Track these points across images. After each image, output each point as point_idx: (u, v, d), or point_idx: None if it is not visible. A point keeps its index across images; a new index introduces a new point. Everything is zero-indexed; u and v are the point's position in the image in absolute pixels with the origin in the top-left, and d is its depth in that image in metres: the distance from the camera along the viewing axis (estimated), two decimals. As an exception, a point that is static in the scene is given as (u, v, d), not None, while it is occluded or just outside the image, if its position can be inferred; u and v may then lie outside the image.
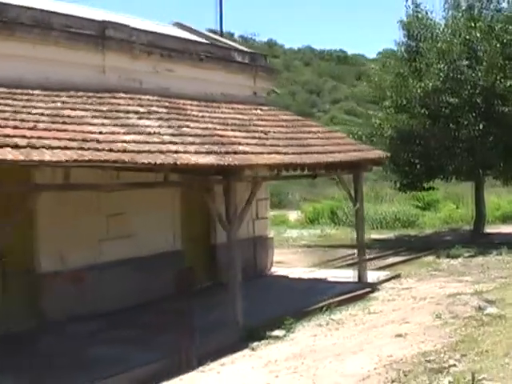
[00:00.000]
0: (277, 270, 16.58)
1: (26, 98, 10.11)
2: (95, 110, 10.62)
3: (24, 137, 7.96)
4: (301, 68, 75.33)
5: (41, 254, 11.45)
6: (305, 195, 34.26)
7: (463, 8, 21.07)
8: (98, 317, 11.56)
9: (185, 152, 9.75)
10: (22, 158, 7.27)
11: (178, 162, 9.19)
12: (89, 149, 8.37)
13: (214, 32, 20.04)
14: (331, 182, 34.83)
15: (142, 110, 11.53)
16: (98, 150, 8.49)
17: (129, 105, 11.60)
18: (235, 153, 10.77)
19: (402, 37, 21.72)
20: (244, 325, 10.90)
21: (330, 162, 12.88)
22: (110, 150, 8.59)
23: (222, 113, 13.52)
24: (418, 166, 21.25)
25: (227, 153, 10.58)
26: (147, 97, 12.46)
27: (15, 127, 8.32)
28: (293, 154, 12.13)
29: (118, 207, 12.27)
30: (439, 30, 21.05)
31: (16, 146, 7.47)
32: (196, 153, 10.01)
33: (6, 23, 10.66)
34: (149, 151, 9.15)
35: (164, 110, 11.96)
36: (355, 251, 19.65)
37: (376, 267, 17.15)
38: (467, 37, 20.00)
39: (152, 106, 12.00)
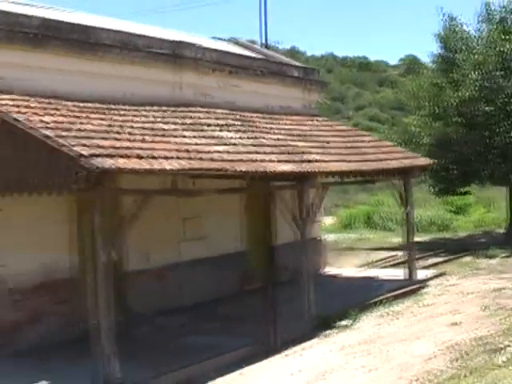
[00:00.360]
0: (329, 270, 17.75)
1: (122, 112, 11.40)
2: (182, 124, 11.91)
3: (141, 149, 9.24)
4: (323, 75, 76.50)
5: (129, 254, 12.71)
6: (336, 201, 35.39)
7: (496, 21, 22.23)
8: (179, 310, 12.83)
9: (270, 161, 11.02)
10: (148, 167, 8.54)
11: (268, 170, 10.45)
12: (194, 158, 9.63)
13: (252, 42, 21.29)
14: (362, 189, 36.20)
15: (220, 122, 12.80)
16: (201, 159, 9.75)
17: (208, 118, 12.89)
18: (309, 161, 12.02)
19: (439, 49, 22.92)
20: (316, 315, 12.11)
21: (385, 169, 14.08)
22: (211, 160, 9.86)
23: (284, 124, 14.78)
24: (454, 172, 22.35)
25: (302, 161, 11.84)
26: (220, 110, 13.75)
27: (130, 140, 9.59)
28: (355, 161, 13.37)
29: (193, 211, 13.54)
30: (474, 42, 22.24)
31: (139, 157, 8.73)
32: (278, 161, 11.27)
33: (97, 45, 12.00)
34: (241, 160, 10.41)
35: (238, 123, 13.23)
36: (396, 253, 21.03)
37: (421, 266, 18.22)
38: (501, 49, 21.14)
39: (227, 119, 13.28)
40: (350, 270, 17.94)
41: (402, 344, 10.86)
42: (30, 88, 10.55)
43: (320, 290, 14.63)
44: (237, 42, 18.63)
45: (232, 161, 10.25)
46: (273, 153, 11.78)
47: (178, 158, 9.40)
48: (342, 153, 13.73)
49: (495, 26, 22.03)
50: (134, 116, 11.35)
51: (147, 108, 12.17)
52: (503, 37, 21.26)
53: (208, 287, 13.80)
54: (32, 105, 10.08)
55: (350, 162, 13.21)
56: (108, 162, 7.99)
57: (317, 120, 16.48)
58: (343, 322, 12.28)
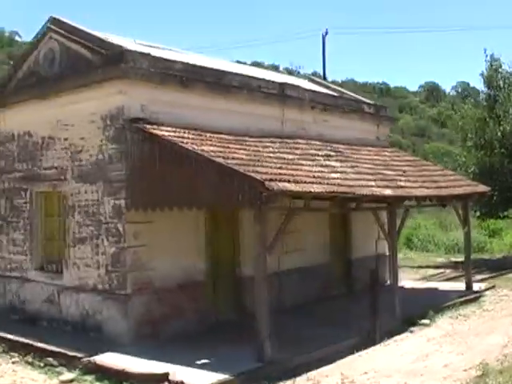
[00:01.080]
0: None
1: (250, 143, 14.00)
2: (296, 154, 14.50)
3: (288, 175, 11.80)
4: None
5: (242, 262, 15.25)
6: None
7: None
8: (282, 311, 15.29)
9: (374, 186, 13.58)
10: (305, 189, 11.13)
11: (378, 194, 13.02)
12: (324, 183, 12.19)
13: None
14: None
15: (320, 153, 15.40)
16: (328, 184, 12.31)
17: (310, 149, 15.50)
18: (400, 187, 14.57)
19: (483, 87, 25.57)
20: (401, 315, 14.60)
21: (454, 194, 16.62)
22: (339, 185, 12.43)
23: (365, 154, 17.37)
24: (496, 198, 24.83)
25: (395, 187, 14.40)
26: (314, 142, 16.37)
27: (275, 168, 12.15)
28: (432, 188, 15.91)
29: (292, 227, 16.06)
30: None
31: (295, 182, 11.31)
32: (379, 186, 13.82)
33: (228, 87, 14.67)
34: (357, 186, 12.98)
35: (333, 153, 15.84)
36: (444, 270, 23.54)
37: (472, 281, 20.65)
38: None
39: (324, 149, 15.90)
40: (409, 282, 20.36)
41: (477, 337, 13.47)
42: (178, 122, 13.20)
43: (393, 297, 17.23)
44: (312, 79, 21.36)
45: (351, 186, 12.82)
46: (370, 179, 14.34)
47: (312, 183, 11.96)
48: (418, 180, 16.27)
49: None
50: (262, 147, 13.96)
51: (264, 139, 14.80)
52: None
53: (301, 292, 16.31)
54: (186, 135, 12.72)
55: (428, 188, 15.75)
56: (280, 185, 10.57)
57: (387, 151, 19.08)
58: (423, 321, 14.83)
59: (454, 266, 25.73)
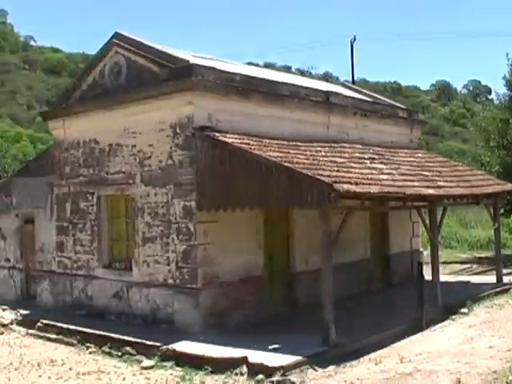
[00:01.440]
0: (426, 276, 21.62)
1: (304, 148, 15.39)
2: (344, 157, 15.90)
3: (345, 177, 13.19)
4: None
5: (295, 258, 16.67)
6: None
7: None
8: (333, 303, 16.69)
9: (420, 186, 14.97)
10: (365, 190, 12.52)
11: (424, 193, 14.42)
12: (380, 185, 13.59)
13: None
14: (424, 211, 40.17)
15: (365, 156, 16.80)
16: (384, 185, 13.70)
17: (356, 152, 16.89)
18: (439, 187, 15.96)
19: (505, 90, 26.96)
20: (442, 305, 15.99)
21: (486, 193, 18.01)
22: (390, 186, 13.83)
23: (403, 157, 18.76)
24: (518, 196, 26.20)
25: (436, 186, 15.79)
26: (358, 146, 17.78)
27: (332, 170, 13.55)
28: (466, 187, 17.30)
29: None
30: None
31: (355, 183, 12.71)
32: (422, 187, 15.21)
33: (280, 96, 16.09)
34: (406, 186, 14.39)
35: (376, 156, 17.23)
36: (470, 265, 24.97)
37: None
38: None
39: (367, 153, 17.29)
40: (441, 276, 21.68)
41: (516, 321, 14.90)
42: (238, 129, 14.63)
43: (431, 289, 18.64)
44: (345, 85, 22.78)
45: (400, 186, 14.23)
46: (413, 180, 15.73)
47: (369, 184, 13.36)
48: (454, 180, 17.65)
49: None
50: (314, 152, 15.37)
51: (314, 144, 16.21)
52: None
53: (347, 285, 17.69)
54: (249, 142, 14.14)
55: (463, 187, 17.14)
56: (344, 187, 11.98)
57: (420, 153, 20.48)
58: (462, 310, 16.24)
59: (479, 261, 27.21)
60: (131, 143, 15.48)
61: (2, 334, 16.69)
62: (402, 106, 22.29)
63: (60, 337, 15.50)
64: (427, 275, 22.30)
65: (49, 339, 15.70)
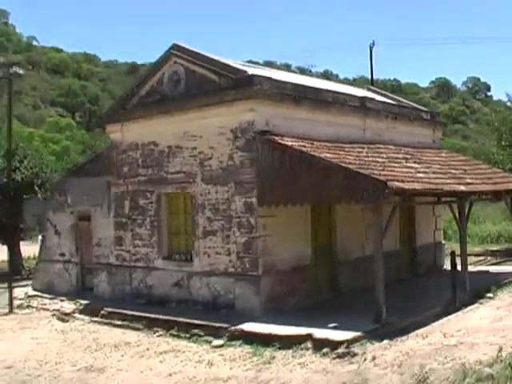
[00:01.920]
0: (447, 267, 23.76)
1: (348, 149, 17.45)
2: (383, 157, 17.97)
3: (394, 175, 15.24)
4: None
5: (337, 249, 18.74)
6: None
7: None
8: (367, 290, 18.78)
9: (453, 183, 17.07)
10: (408, 187, 14.59)
11: (458, 189, 16.52)
12: (421, 182, 15.67)
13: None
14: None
15: (399, 156, 18.88)
16: (423, 182, 15.78)
17: (390, 152, 18.97)
18: (468, 184, 18.07)
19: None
20: (470, 290, 18.11)
21: (509, 189, 20.13)
22: (429, 183, 15.92)
23: (430, 156, 20.87)
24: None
25: (466, 183, 17.89)
26: (390, 146, 19.87)
27: (380, 169, 15.61)
28: (490, 184, 19.42)
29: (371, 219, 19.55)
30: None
31: (402, 181, 14.79)
32: (454, 183, 17.31)
33: (325, 102, 18.18)
34: (442, 183, 16.48)
35: (408, 156, 19.32)
36: (484, 257, 27.18)
37: (515, 265, 24.28)
38: None
39: (399, 153, 19.38)
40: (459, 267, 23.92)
41: (538, 306, 17.05)
42: (290, 133, 16.66)
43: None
44: (371, 90, 24.92)
45: (437, 183, 16.33)
46: (445, 178, 17.83)
47: (412, 181, 15.44)
48: (478, 177, 19.77)
49: None
50: (357, 152, 17.44)
51: (354, 146, 18.28)
52: None
53: (381, 275, 19.77)
54: (304, 144, 16.19)
55: (487, 184, 19.27)
56: (396, 184, 14.07)
57: (444, 152, 22.62)
58: (488, 295, 18.36)
59: (492, 253, 29.43)
60: (191, 145, 17.49)
61: (68, 321, 18.66)
62: (426, 109, 24.42)
63: (126, 323, 17.47)
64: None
65: (114, 325, 17.67)
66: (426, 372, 10.81)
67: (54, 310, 19.78)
